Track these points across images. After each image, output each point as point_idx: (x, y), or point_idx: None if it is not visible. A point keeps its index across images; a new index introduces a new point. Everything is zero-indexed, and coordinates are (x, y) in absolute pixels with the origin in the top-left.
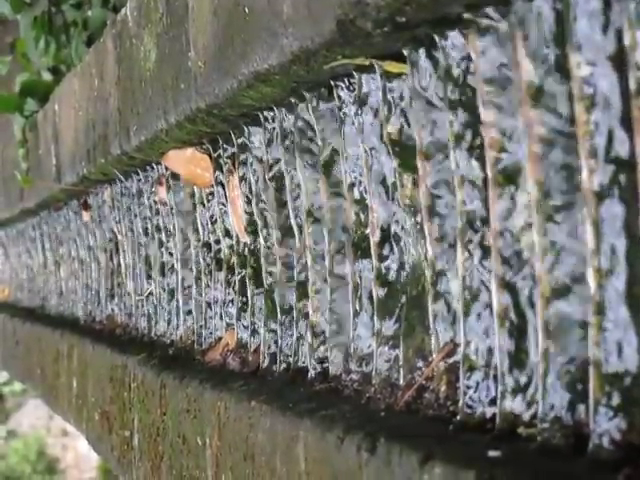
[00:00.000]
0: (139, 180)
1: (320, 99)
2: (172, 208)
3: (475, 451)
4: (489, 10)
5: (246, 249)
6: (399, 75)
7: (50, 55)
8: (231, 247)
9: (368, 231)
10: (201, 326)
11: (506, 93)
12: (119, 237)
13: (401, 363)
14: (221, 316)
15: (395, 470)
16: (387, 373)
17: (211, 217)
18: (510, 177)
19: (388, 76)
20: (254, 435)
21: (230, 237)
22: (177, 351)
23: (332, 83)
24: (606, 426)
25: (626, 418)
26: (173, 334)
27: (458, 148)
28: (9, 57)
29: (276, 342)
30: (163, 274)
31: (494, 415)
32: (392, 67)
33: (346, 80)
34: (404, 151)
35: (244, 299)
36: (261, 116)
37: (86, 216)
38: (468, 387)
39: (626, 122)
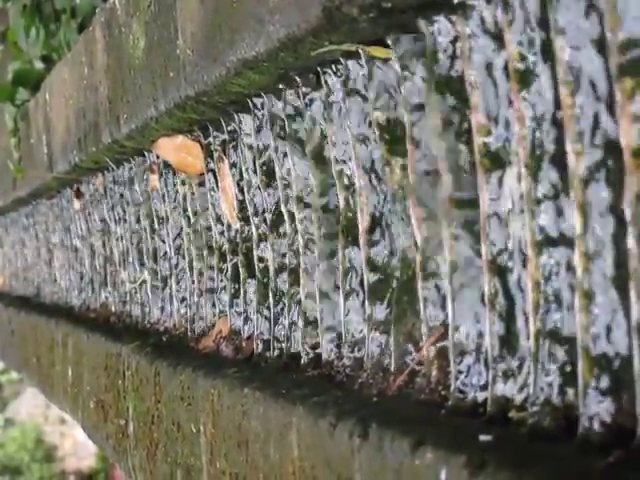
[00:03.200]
0: (131, 168)
1: (308, 85)
2: (164, 195)
3: (466, 436)
4: None
5: (237, 236)
6: (386, 60)
7: (40, 43)
8: (222, 233)
9: (358, 216)
10: (194, 313)
11: (493, 77)
12: (112, 225)
13: (393, 348)
14: (214, 303)
15: (387, 455)
16: (379, 358)
17: (203, 204)
18: (498, 161)
19: (375, 61)
20: (247, 422)
21: (222, 224)
22: (171, 338)
23: (320, 69)
24: (596, 409)
25: (616, 401)
26: (167, 321)
27: (446, 132)
28: (1, 46)
29: (269, 328)
30: (156, 261)
31: (486, 399)
32: (379, 52)
33: (333, 66)
34: (392, 136)
35: (236, 286)
36: (250, 103)
37: (78, 204)
38: (459, 371)
39: (611, 105)
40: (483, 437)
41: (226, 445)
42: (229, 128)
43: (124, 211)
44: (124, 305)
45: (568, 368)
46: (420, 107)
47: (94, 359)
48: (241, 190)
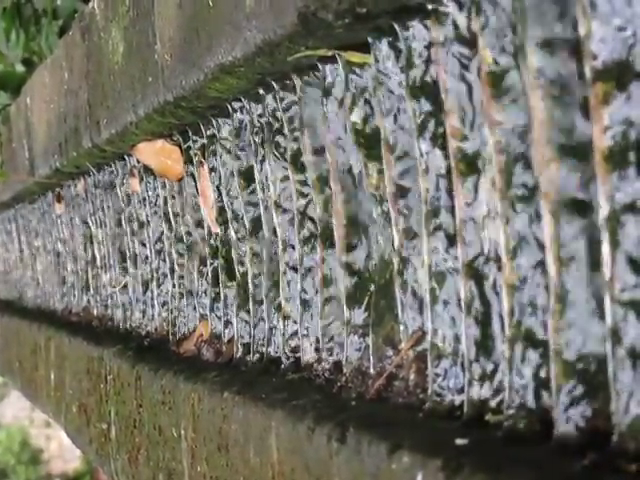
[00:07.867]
0: (111, 172)
1: (286, 90)
2: (144, 199)
3: (443, 439)
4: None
5: (217, 239)
6: (362, 65)
7: (20, 46)
8: (203, 238)
9: (336, 221)
10: (175, 317)
11: (467, 82)
12: (93, 229)
13: (371, 351)
14: (194, 307)
15: (365, 459)
16: (358, 362)
17: (183, 208)
18: (473, 166)
19: (351, 66)
20: (228, 426)
21: (202, 228)
22: (152, 342)
23: (297, 74)
24: (571, 412)
25: (590, 404)
26: (148, 325)
27: (422, 137)
28: None
29: (249, 332)
30: (136, 265)
31: (462, 402)
32: (355, 57)
33: (311, 71)
34: (369, 141)
35: (217, 290)
36: (229, 107)
37: (60, 208)
38: (436, 375)
39: (583, 110)
40: (459, 440)
41: (207, 449)
42: (208, 132)
43: (105, 215)
44: (106, 309)
45: (543, 371)
46: (396, 111)
47: (76, 363)
48: (220, 194)
